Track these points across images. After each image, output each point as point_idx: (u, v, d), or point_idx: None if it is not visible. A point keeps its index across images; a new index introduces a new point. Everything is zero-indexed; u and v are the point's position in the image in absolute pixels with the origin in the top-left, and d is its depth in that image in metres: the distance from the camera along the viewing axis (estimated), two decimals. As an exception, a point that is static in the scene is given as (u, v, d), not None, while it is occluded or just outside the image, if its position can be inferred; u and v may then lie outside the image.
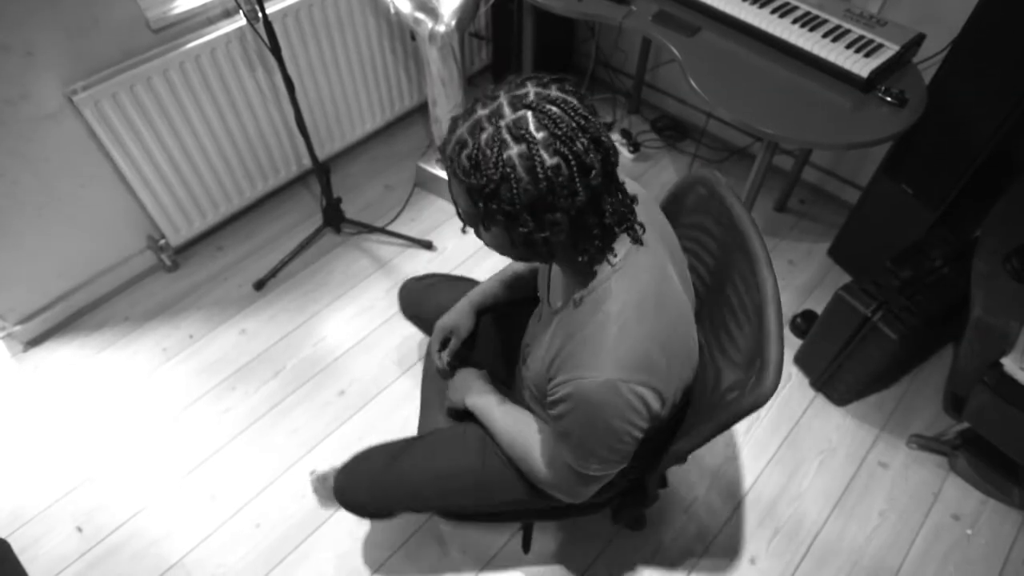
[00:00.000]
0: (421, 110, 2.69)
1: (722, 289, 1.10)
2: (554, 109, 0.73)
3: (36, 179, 1.76)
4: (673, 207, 1.25)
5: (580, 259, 0.83)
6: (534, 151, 0.72)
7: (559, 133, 0.73)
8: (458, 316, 1.30)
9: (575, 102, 0.75)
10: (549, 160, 0.72)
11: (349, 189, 2.43)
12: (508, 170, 0.73)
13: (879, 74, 1.59)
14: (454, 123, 0.79)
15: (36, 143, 1.71)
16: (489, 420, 1.14)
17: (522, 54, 2.36)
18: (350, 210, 2.33)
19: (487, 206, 0.76)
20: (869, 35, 1.67)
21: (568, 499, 1.02)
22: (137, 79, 1.74)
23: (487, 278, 1.37)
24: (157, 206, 2.01)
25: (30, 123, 1.67)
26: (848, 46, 1.64)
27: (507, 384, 1.28)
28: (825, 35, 1.68)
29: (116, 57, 1.74)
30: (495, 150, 0.73)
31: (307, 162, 2.36)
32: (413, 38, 2.33)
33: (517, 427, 1.09)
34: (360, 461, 1.26)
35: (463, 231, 0.88)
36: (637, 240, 0.86)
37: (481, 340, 1.34)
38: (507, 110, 0.74)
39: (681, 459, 1.07)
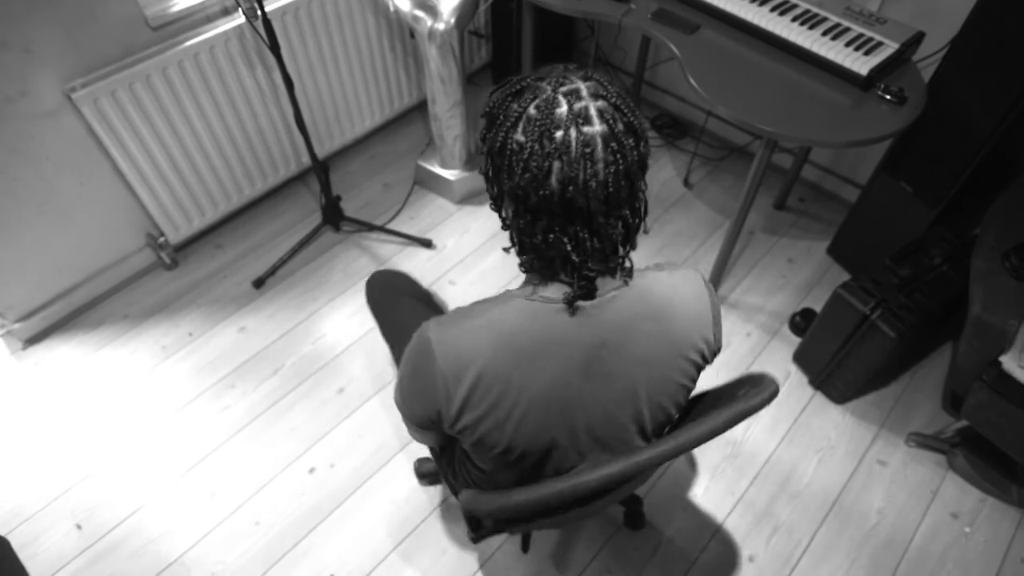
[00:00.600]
0: (420, 108, 2.69)
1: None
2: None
3: (36, 176, 1.76)
4: None
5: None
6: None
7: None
8: None
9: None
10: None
11: (348, 187, 2.43)
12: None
13: (878, 72, 1.59)
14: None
15: (35, 140, 1.71)
16: None
17: (521, 52, 2.35)
18: (349, 208, 2.33)
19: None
20: (869, 33, 1.67)
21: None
22: (136, 77, 1.74)
23: None
24: (156, 204, 2.01)
25: (29, 120, 1.67)
26: (848, 44, 1.64)
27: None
28: (825, 33, 1.68)
29: (115, 55, 1.74)
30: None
31: (306, 160, 2.36)
32: (412, 36, 2.33)
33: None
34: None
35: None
36: (568, 300, 0.79)
37: None
38: (584, 93, 0.73)
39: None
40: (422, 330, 0.85)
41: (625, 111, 0.73)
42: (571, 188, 0.71)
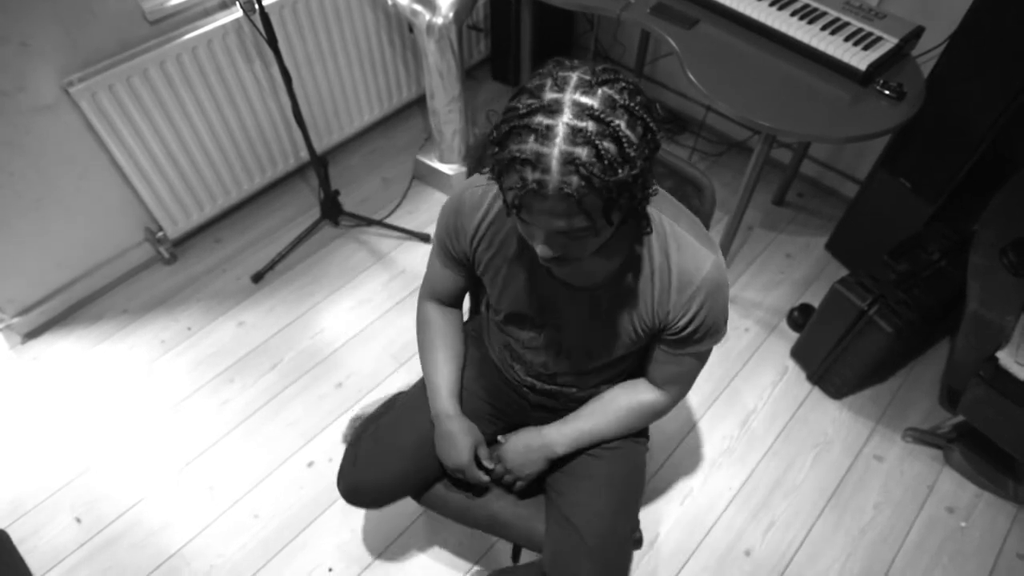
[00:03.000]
0: (419, 103, 2.68)
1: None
2: (612, 78, 0.71)
3: (34, 171, 1.76)
4: None
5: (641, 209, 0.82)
6: (639, 118, 0.70)
7: (629, 94, 0.71)
8: (465, 433, 1.13)
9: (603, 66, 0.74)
10: (649, 120, 0.72)
11: (347, 182, 2.43)
12: (644, 148, 0.72)
13: (877, 67, 1.59)
14: (541, 144, 0.68)
15: (33, 135, 1.71)
16: (587, 436, 1.12)
17: (520, 47, 2.35)
18: (348, 203, 2.33)
19: (631, 195, 0.73)
20: (868, 28, 1.67)
21: (684, 396, 1.12)
22: (134, 71, 1.74)
23: (431, 381, 1.18)
24: (155, 198, 2.01)
25: (27, 115, 1.67)
26: (847, 39, 1.64)
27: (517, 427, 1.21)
28: (824, 28, 1.67)
29: (112, 49, 1.74)
30: (630, 133, 0.69)
31: (305, 155, 2.35)
32: (411, 30, 2.33)
33: (609, 412, 1.12)
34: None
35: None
36: None
37: (479, 422, 1.21)
38: (592, 100, 0.68)
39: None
40: (715, 270, 0.91)
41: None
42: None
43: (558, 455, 1.13)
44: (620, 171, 0.69)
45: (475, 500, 1.20)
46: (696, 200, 1.14)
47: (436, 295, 1.18)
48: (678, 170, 1.15)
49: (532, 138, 0.68)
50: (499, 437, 1.20)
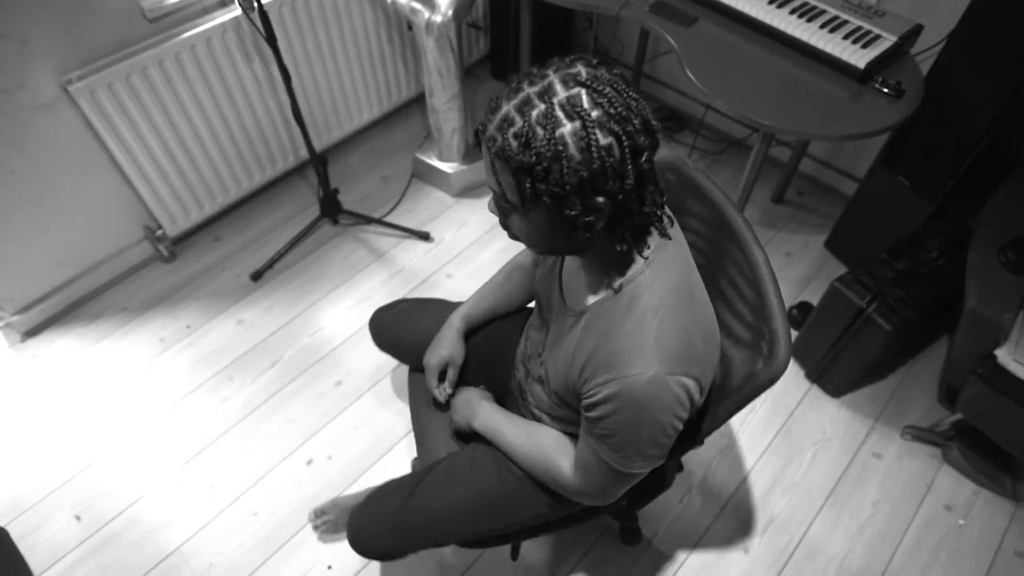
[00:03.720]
0: (418, 101, 2.68)
1: (715, 273, 1.10)
2: (608, 89, 0.70)
3: (34, 169, 1.76)
4: None
5: (619, 248, 0.80)
6: (589, 129, 0.69)
7: (614, 112, 0.70)
8: (449, 347, 1.24)
9: (625, 84, 0.73)
10: (603, 139, 0.70)
11: (346, 180, 2.43)
12: (560, 148, 0.69)
13: (876, 65, 1.59)
14: (496, 102, 0.74)
15: (33, 133, 1.71)
16: (501, 439, 1.11)
17: (519, 45, 2.35)
18: (347, 201, 2.33)
19: (535, 187, 0.72)
20: (867, 26, 1.66)
21: (598, 502, 0.98)
22: (133, 69, 1.74)
23: (468, 297, 1.30)
24: (154, 197, 2.01)
25: (26, 113, 1.67)
26: (845, 37, 1.64)
27: (501, 400, 1.24)
28: (823, 26, 1.67)
29: (111, 47, 1.74)
30: (548, 127, 0.69)
31: (304, 153, 2.35)
32: (410, 28, 2.32)
33: (532, 440, 1.06)
34: (372, 504, 1.18)
35: (504, 225, 0.85)
36: (664, 233, 0.84)
37: (473, 360, 1.29)
38: (559, 87, 0.71)
39: (700, 442, 1.07)
40: (644, 384, 0.79)
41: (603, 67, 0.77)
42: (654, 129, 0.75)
43: (474, 429, 1.16)
44: (524, 156, 0.71)
45: (427, 406, 1.32)
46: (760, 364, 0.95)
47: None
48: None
49: (506, 91, 0.74)
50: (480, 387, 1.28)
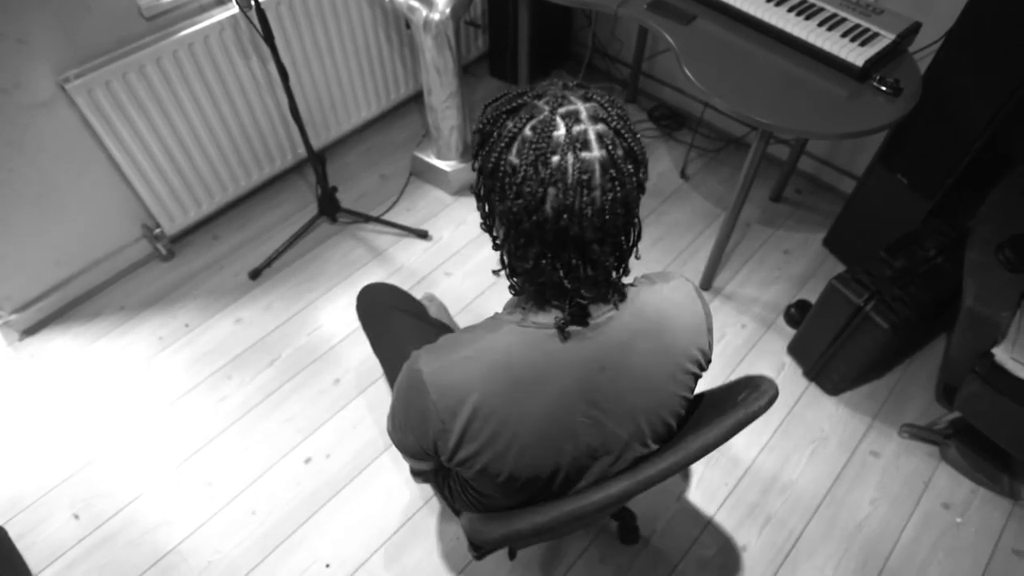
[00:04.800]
0: (417, 99, 2.68)
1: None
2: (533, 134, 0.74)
3: (32, 168, 1.76)
4: None
5: (512, 291, 0.85)
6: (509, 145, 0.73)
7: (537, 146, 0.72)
8: None
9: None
10: (513, 159, 0.74)
11: (345, 178, 2.43)
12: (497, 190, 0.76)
13: (874, 63, 1.58)
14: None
15: (31, 132, 1.71)
16: None
17: (518, 43, 2.34)
18: (345, 199, 2.33)
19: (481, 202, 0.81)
20: (865, 24, 1.66)
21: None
22: (130, 67, 1.74)
23: None
24: (152, 195, 2.00)
25: (24, 111, 1.67)
26: (844, 35, 1.63)
27: None
28: (821, 24, 1.67)
29: (109, 45, 1.74)
30: (512, 158, 0.72)
31: (302, 151, 2.35)
32: (408, 26, 2.32)
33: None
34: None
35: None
36: (560, 326, 0.78)
37: None
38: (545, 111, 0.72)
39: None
40: (412, 361, 0.83)
41: (625, 135, 0.71)
42: (566, 216, 0.69)
43: None
44: (477, 159, 0.76)
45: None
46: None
47: None
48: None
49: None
50: None
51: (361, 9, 2.18)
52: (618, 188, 0.70)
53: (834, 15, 1.70)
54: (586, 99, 0.72)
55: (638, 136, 0.74)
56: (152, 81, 1.81)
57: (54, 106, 1.71)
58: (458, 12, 1.94)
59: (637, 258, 0.82)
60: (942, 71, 1.61)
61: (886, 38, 1.62)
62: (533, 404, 0.80)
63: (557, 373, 0.79)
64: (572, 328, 0.79)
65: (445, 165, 2.34)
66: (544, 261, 0.74)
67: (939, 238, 1.73)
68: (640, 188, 0.74)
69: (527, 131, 0.70)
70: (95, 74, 1.69)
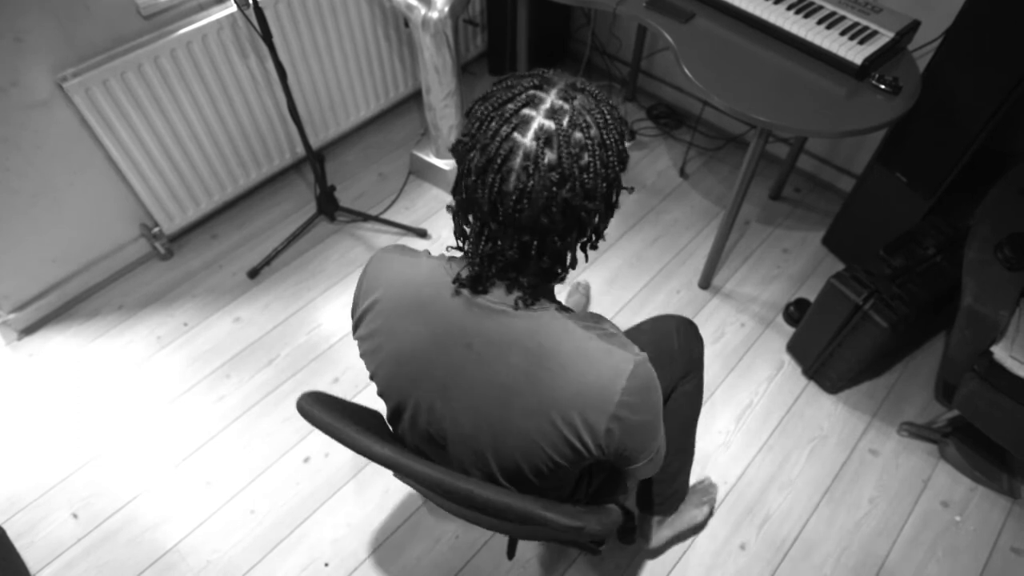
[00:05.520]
0: (415, 98, 2.68)
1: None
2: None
3: (29, 167, 1.75)
4: None
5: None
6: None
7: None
8: None
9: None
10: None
11: (343, 177, 2.42)
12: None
13: (873, 61, 1.58)
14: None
15: (28, 130, 1.70)
16: None
17: (517, 41, 2.34)
18: (344, 198, 2.32)
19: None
20: (864, 22, 1.66)
21: None
22: (128, 66, 1.74)
23: None
24: (150, 194, 2.00)
25: (21, 110, 1.67)
26: (842, 33, 1.63)
27: None
28: (820, 22, 1.67)
29: (106, 44, 1.73)
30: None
31: (301, 150, 2.35)
32: (406, 24, 2.32)
33: None
34: None
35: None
36: (455, 279, 0.81)
37: None
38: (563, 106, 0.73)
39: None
40: (379, 250, 0.92)
41: (570, 150, 0.69)
42: (473, 179, 0.72)
43: None
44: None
45: None
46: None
47: None
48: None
49: None
50: None
51: (360, 7, 2.17)
52: (530, 184, 0.69)
53: (833, 13, 1.69)
54: (568, 98, 0.72)
55: (597, 170, 0.71)
56: (150, 80, 1.80)
57: (51, 105, 1.71)
58: (457, 10, 1.94)
59: (559, 281, 0.82)
60: (941, 69, 1.61)
61: (885, 36, 1.62)
62: (411, 328, 0.84)
63: (437, 318, 0.82)
64: (464, 291, 0.80)
65: (444, 164, 2.33)
66: (460, 213, 0.79)
67: (938, 236, 1.73)
68: (569, 211, 0.72)
69: (501, 93, 0.73)
70: (93, 73, 1.68)
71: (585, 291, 1.98)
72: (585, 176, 0.71)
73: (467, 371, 0.81)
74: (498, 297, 0.79)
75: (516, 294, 0.79)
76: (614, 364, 0.77)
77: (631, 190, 0.87)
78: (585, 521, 0.82)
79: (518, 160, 0.69)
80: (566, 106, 0.71)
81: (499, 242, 0.75)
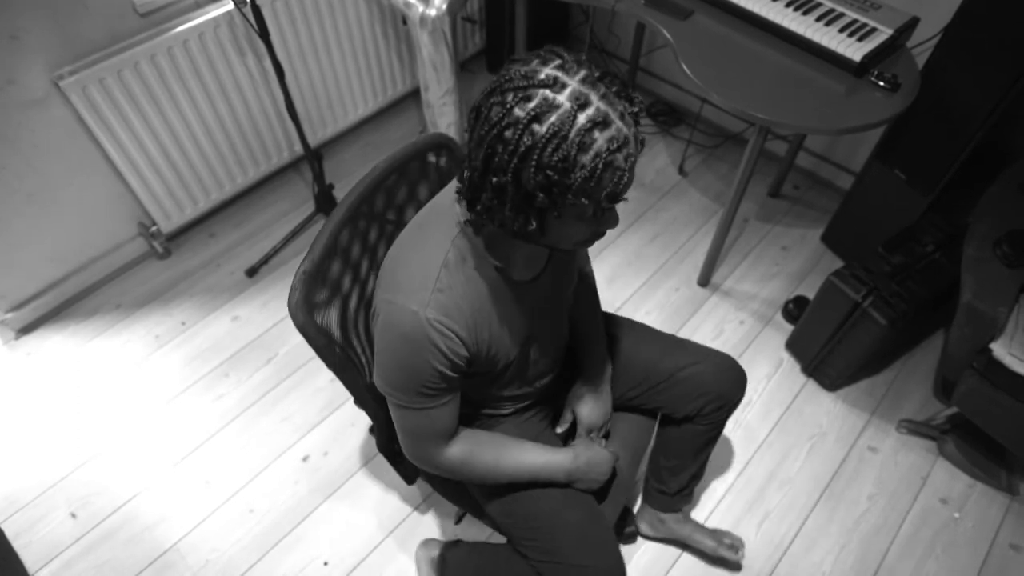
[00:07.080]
0: (413, 96, 2.67)
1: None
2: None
3: (26, 165, 1.75)
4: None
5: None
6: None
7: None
8: (593, 451, 1.15)
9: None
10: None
11: (342, 175, 2.42)
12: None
13: (872, 58, 1.58)
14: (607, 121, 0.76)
15: (25, 129, 1.70)
16: (602, 342, 1.29)
17: (515, 39, 2.33)
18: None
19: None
20: (863, 19, 1.66)
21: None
22: (124, 64, 1.73)
23: (530, 473, 1.10)
24: (147, 193, 2.00)
25: (18, 109, 1.66)
26: (841, 30, 1.63)
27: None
28: (818, 19, 1.66)
29: (103, 41, 1.73)
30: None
31: (299, 148, 2.34)
32: (404, 22, 2.31)
33: (593, 317, 1.32)
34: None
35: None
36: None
37: None
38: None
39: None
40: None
41: (505, 120, 0.72)
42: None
43: (607, 381, 1.24)
44: None
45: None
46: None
47: (447, 435, 1.03)
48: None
49: (607, 128, 0.75)
50: (557, 429, 1.25)
51: (357, 5, 2.17)
52: (488, 119, 0.75)
53: (832, 10, 1.69)
54: (561, 89, 0.77)
55: (511, 150, 0.73)
56: (147, 78, 1.80)
57: (48, 103, 1.70)
58: (455, 8, 1.93)
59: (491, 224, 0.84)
60: (940, 66, 1.60)
61: (884, 33, 1.62)
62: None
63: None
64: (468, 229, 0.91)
65: (442, 162, 2.33)
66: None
67: (937, 234, 1.73)
68: (485, 158, 0.76)
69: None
70: (89, 71, 1.68)
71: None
72: (499, 145, 0.73)
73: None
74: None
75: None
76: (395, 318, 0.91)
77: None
78: None
79: (499, 101, 0.73)
80: (550, 95, 0.75)
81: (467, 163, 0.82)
